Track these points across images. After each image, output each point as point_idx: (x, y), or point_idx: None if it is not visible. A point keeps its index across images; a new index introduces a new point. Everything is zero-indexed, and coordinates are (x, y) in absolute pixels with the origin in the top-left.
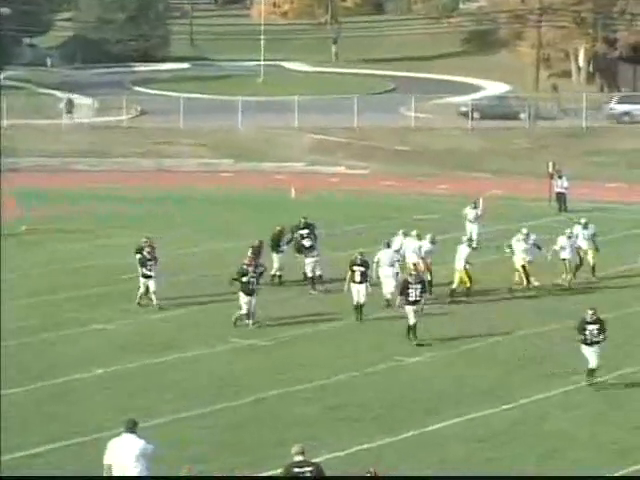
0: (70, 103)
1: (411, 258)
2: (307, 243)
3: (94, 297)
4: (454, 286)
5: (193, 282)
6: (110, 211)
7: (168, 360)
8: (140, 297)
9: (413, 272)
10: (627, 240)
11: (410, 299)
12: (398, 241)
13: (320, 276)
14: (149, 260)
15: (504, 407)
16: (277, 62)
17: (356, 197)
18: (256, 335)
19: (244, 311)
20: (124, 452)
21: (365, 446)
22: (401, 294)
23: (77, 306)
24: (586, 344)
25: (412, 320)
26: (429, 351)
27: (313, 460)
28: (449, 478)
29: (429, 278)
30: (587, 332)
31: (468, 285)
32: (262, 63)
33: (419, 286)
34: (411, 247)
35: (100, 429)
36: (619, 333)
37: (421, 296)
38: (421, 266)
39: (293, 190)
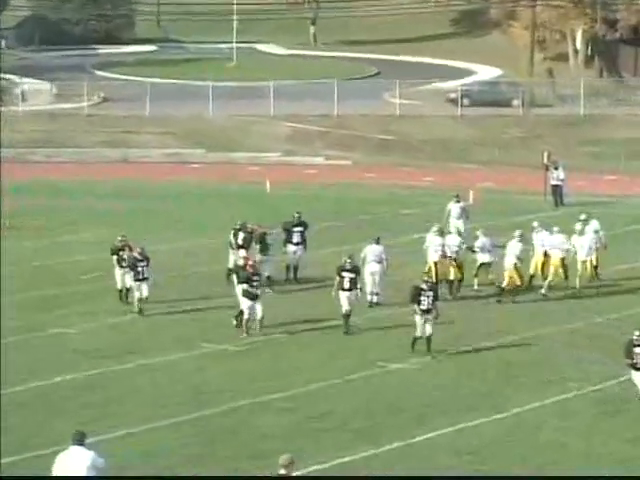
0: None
1: (433, 257)
2: (270, 240)
3: (52, 299)
4: (504, 284)
5: (160, 282)
6: (70, 206)
7: (134, 367)
8: (138, 301)
9: (427, 278)
10: (628, 236)
11: (422, 308)
12: (430, 239)
13: (269, 277)
14: (140, 261)
15: (497, 416)
16: (251, 44)
17: (337, 190)
18: (229, 340)
19: (246, 316)
20: (73, 465)
21: (348, 458)
22: (412, 302)
23: (34, 309)
24: (636, 369)
25: (419, 332)
26: (417, 357)
27: (293, 474)
28: (445, 478)
29: (459, 277)
30: (637, 355)
31: (519, 283)
32: (234, 45)
33: (431, 293)
34: (434, 245)
35: (58, 442)
36: (619, 337)
37: (433, 305)
38: (448, 264)
39: (268, 183)
